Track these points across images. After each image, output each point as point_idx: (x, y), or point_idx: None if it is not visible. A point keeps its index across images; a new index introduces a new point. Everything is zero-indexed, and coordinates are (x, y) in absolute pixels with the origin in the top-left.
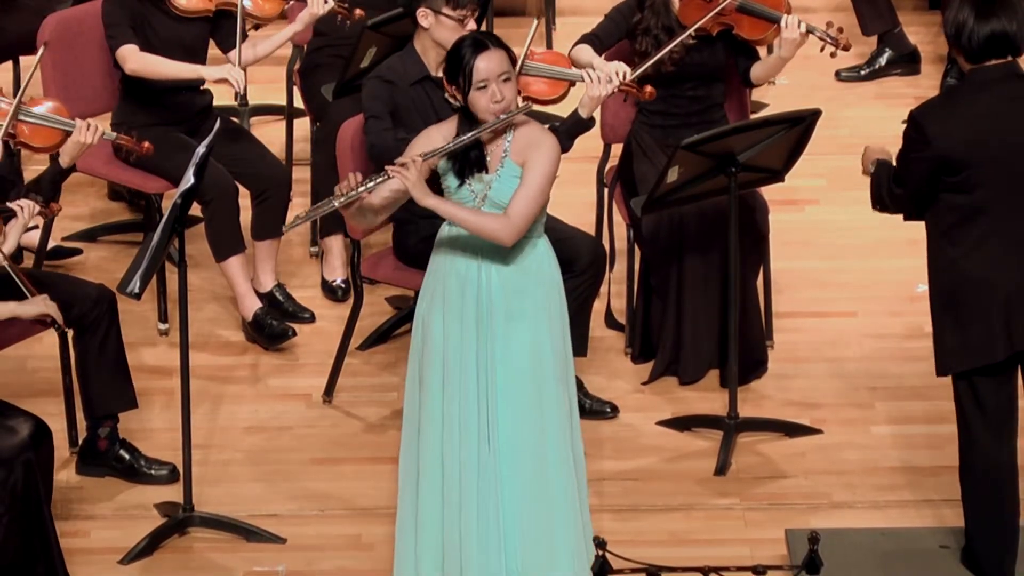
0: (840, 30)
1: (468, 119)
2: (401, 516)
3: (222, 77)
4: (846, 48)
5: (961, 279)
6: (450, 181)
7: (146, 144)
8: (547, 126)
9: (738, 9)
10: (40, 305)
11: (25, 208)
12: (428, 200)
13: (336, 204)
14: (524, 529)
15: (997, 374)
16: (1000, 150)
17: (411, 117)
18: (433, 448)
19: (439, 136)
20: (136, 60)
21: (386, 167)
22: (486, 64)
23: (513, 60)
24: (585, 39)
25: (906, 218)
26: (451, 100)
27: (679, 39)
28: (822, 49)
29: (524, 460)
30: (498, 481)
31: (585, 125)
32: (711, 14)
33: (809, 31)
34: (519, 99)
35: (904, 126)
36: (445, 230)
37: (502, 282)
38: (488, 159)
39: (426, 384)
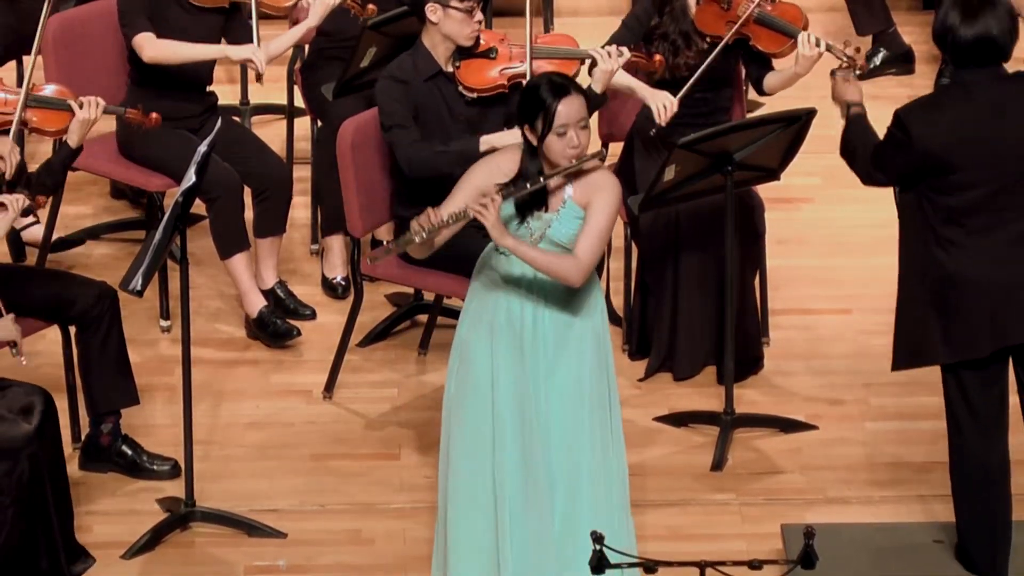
0: (857, 49)
1: (531, 153)
2: (439, 522)
3: (247, 57)
4: (862, 69)
5: (947, 278)
6: (509, 217)
7: (154, 115)
8: None
9: (756, 21)
10: (8, 330)
11: (15, 201)
12: (506, 241)
13: (417, 240)
14: (563, 553)
15: (984, 371)
16: (985, 152)
17: (426, 114)
18: (471, 473)
19: (498, 167)
20: (154, 47)
21: (467, 206)
22: (567, 109)
23: (589, 107)
24: None
25: (865, 183)
26: (528, 136)
27: (711, 57)
28: (839, 67)
29: (558, 484)
30: (540, 500)
31: (599, 100)
32: (736, 27)
33: (827, 48)
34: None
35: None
36: (493, 258)
37: (552, 313)
38: (550, 198)
39: (465, 408)
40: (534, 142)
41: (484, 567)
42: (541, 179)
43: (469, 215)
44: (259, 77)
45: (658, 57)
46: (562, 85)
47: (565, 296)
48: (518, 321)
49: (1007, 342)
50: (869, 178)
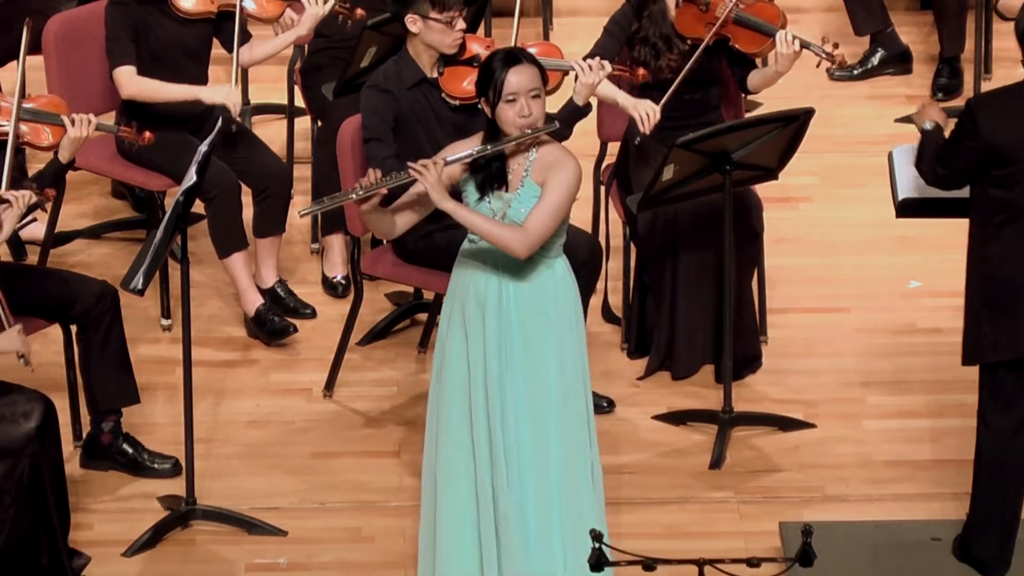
0: (836, 45)
1: (494, 135)
2: (423, 522)
3: (220, 102)
4: (842, 64)
5: (999, 275)
6: (471, 196)
7: (147, 134)
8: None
9: (735, 21)
10: (16, 341)
11: (20, 197)
12: (446, 203)
13: (354, 196)
14: (528, 541)
15: (1021, 370)
16: None
17: (411, 122)
18: (453, 469)
19: (466, 145)
20: (132, 85)
21: (408, 164)
22: (517, 78)
23: (545, 80)
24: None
25: (928, 183)
26: (484, 109)
27: (692, 61)
28: (818, 65)
29: (527, 475)
30: (509, 495)
31: (581, 112)
32: (714, 30)
33: (804, 46)
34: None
35: (897, 125)
36: (466, 246)
37: (519, 302)
38: (509, 177)
39: (444, 404)
40: (489, 114)
41: (470, 565)
42: (488, 146)
43: (409, 174)
44: (233, 122)
45: (641, 71)
46: (513, 55)
47: (530, 282)
48: (483, 300)
49: None
50: (932, 175)
